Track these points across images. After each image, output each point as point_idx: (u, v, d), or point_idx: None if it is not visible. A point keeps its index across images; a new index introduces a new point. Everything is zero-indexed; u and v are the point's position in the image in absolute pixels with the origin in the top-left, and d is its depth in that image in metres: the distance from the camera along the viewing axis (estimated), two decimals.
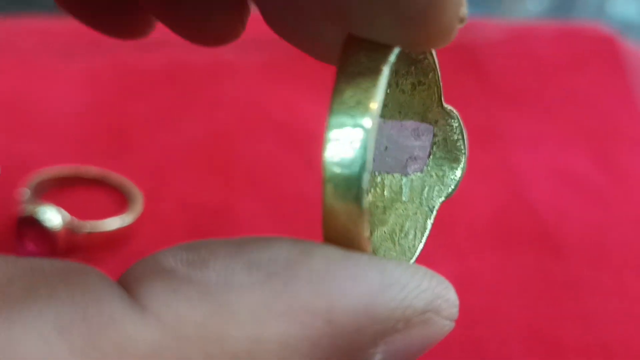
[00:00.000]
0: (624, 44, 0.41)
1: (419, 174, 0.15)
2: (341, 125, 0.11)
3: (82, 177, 0.29)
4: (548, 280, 0.29)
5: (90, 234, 0.25)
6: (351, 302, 0.10)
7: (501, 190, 0.34)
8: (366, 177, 0.11)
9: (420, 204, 0.15)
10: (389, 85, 0.13)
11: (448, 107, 0.16)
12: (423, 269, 0.11)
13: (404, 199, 0.15)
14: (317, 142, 0.35)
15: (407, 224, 0.15)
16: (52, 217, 0.25)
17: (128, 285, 0.10)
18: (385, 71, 0.11)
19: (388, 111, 0.14)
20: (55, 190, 0.28)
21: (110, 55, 0.36)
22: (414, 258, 0.15)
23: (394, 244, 0.14)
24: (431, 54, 0.14)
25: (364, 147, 0.11)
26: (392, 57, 0.12)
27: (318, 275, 0.10)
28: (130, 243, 0.27)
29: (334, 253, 0.10)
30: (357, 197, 0.10)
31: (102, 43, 0.35)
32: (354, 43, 0.12)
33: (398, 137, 0.14)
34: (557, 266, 0.30)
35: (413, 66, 0.14)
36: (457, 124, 0.16)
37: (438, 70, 0.15)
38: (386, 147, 0.14)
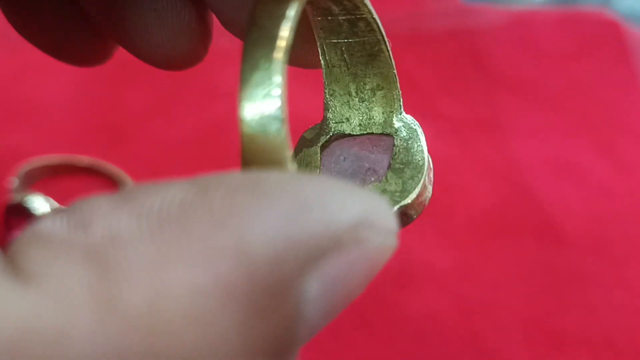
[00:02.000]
0: (629, 29, 0.40)
1: (377, 184, 0.14)
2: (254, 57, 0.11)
3: (74, 166, 0.28)
4: (550, 272, 0.28)
5: None
6: (264, 231, 0.08)
7: (501, 181, 0.33)
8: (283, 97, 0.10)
9: None
10: (344, 87, 0.13)
11: (407, 117, 0.15)
12: (344, 184, 0.09)
13: None
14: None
15: None
16: (40, 205, 0.24)
17: (10, 257, 0.08)
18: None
19: (349, 125, 0.15)
20: (45, 180, 0.28)
21: None
22: None
23: None
24: (385, 44, 0.14)
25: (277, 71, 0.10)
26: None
27: (219, 210, 0.08)
28: None
29: (238, 180, 0.09)
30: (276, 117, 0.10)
31: None
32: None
33: (358, 150, 0.14)
34: (560, 257, 0.29)
35: (370, 64, 0.14)
36: (416, 133, 0.15)
37: (394, 69, 0.14)
38: (344, 158, 0.14)
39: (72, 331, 0.07)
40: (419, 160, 0.15)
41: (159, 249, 0.08)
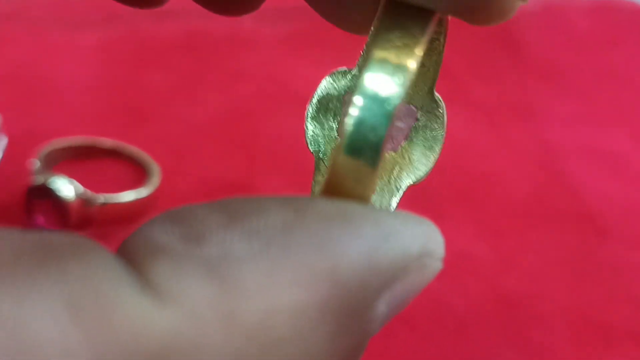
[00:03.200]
0: None
1: (392, 153, 0.14)
2: (383, 62, 0.11)
3: (96, 148, 0.27)
4: (594, 263, 0.27)
5: (103, 206, 0.23)
6: (353, 258, 0.09)
7: (538, 168, 0.32)
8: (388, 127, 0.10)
9: (389, 181, 0.15)
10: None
11: (437, 95, 0.15)
12: (412, 216, 0.11)
13: None
14: None
15: (373, 198, 0.14)
16: (64, 187, 0.23)
17: (137, 269, 0.09)
18: (431, 26, 0.11)
19: None
20: (67, 162, 0.27)
21: (126, 25, 0.34)
22: None
23: None
24: (444, 37, 0.14)
25: (403, 86, 0.10)
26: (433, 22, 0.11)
27: (316, 235, 0.09)
28: (146, 217, 0.25)
29: (328, 208, 0.10)
30: (377, 147, 0.10)
31: (116, 13, 0.34)
32: (393, 5, 0.11)
33: None
34: (603, 248, 0.28)
35: None
36: (441, 114, 0.15)
37: (442, 55, 0.15)
38: None
39: (205, 345, 0.08)
40: (436, 140, 0.15)
41: (268, 268, 0.09)
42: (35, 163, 0.25)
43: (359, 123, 0.10)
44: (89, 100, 0.31)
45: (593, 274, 0.26)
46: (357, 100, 0.10)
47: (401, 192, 0.15)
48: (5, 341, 0.08)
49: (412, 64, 0.11)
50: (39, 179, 0.23)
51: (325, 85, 0.14)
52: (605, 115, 0.35)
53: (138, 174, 0.27)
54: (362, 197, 0.11)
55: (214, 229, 0.09)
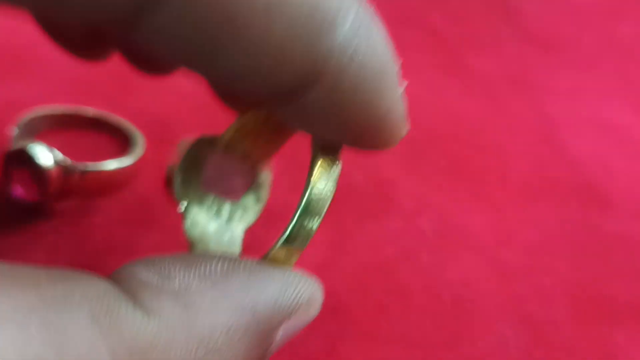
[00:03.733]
0: None
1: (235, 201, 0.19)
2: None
3: (79, 117, 0.26)
4: (596, 236, 0.26)
5: (84, 175, 0.22)
6: (266, 299, 0.14)
7: (538, 140, 0.31)
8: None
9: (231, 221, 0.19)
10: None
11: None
12: (304, 277, 0.15)
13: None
14: None
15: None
16: (43, 154, 0.22)
17: (123, 290, 0.13)
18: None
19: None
20: (48, 131, 0.26)
21: None
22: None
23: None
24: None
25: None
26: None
27: (244, 282, 0.14)
28: (129, 188, 0.24)
29: (251, 266, 0.15)
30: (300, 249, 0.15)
31: None
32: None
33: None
34: (606, 221, 0.27)
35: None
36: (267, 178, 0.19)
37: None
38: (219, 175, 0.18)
39: (175, 343, 0.13)
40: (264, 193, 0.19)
41: (213, 299, 0.13)
42: (15, 131, 0.24)
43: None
44: (73, 68, 0.30)
45: (595, 248, 0.25)
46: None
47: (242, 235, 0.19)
48: (50, 339, 0.11)
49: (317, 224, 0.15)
50: (16, 147, 0.22)
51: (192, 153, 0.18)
52: (607, 87, 0.34)
53: (121, 143, 0.26)
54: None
55: (179, 271, 0.14)
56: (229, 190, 0.18)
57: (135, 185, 0.24)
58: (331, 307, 0.21)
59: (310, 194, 0.15)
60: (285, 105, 0.15)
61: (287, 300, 0.15)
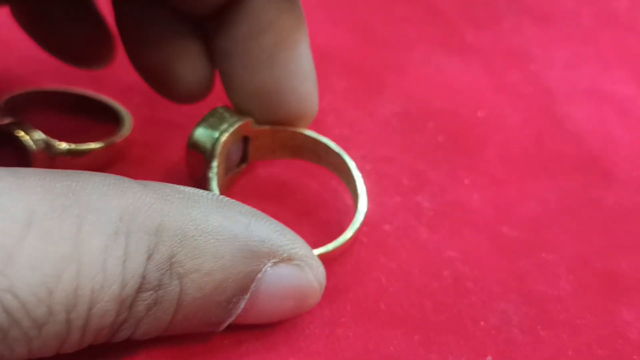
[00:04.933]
0: None
1: None
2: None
3: (64, 95, 0.25)
4: (598, 209, 0.25)
5: (68, 155, 0.21)
6: (262, 230, 0.17)
7: (538, 113, 0.30)
8: None
9: None
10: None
11: None
12: (305, 245, 0.18)
13: None
14: (328, 61, 0.30)
15: None
16: (26, 134, 0.21)
17: None
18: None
19: None
20: (32, 110, 0.25)
21: None
22: None
23: None
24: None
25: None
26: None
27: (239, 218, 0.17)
28: (115, 166, 0.23)
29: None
30: None
31: None
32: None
33: None
34: (608, 194, 0.26)
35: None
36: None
37: None
38: None
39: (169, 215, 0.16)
40: None
41: (215, 204, 0.17)
42: None
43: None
44: None
45: (598, 221, 0.25)
46: None
47: None
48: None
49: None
50: None
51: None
52: (607, 59, 0.34)
53: (109, 123, 0.25)
54: None
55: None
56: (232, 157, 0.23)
57: (122, 163, 0.24)
58: (329, 287, 0.21)
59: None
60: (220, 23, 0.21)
61: (280, 240, 0.17)
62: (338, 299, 0.20)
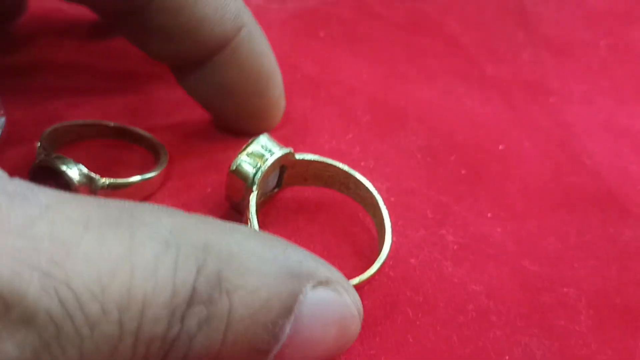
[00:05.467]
0: None
1: None
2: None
3: (102, 129, 0.26)
4: (617, 245, 0.26)
5: (108, 189, 0.22)
6: (294, 259, 0.17)
7: (557, 148, 0.31)
8: None
9: None
10: None
11: None
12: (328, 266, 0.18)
13: None
14: (353, 95, 0.31)
15: None
16: (68, 169, 0.22)
17: None
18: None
19: None
20: (72, 144, 0.26)
21: None
22: None
23: None
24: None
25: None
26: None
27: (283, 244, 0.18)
28: (152, 199, 0.24)
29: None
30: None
31: None
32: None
33: None
34: (627, 229, 0.27)
35: None
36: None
37: None
38: None
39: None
40: None
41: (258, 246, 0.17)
42: (39, 146, 0.24)
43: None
44: (93, 83, 0.30)
45: (618, 257, 0.25)
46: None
47: None
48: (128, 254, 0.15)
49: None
50: (42, 161, 0.22)
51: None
52: (624, 93, 0.34)
53: (145, 155, 0.26)
54: None
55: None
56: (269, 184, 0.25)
57: (159, 196, 0.24)
58: None
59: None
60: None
61: (317, 264, 0.17)
62: (366, 331, 0.21)
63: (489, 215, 0.27)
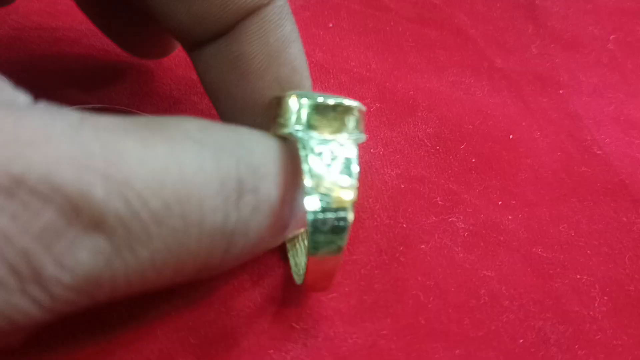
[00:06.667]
0: None
1: None
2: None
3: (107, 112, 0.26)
4: (629, 233, 0.26)
5: None
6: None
7: (566, 138, 0.30)
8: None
9: None
10: None
11: None
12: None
13: None
14: (362, 84, 0.31)
15: None
16: None
17: None
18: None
19: None
20: None
21: None
22: None
23: None
24: None
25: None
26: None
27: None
28: None
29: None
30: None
31: None
32: None
33: None
34: (638, 218, 0.26)
35: None
36: None
37: None
38: None
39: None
40: None
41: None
42: None
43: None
44: (100, 65, 0.29)
45: (630, 245, 0.25)
46: None
47: None
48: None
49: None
50: None
51: None
52: (633, 84, 0.34)
53: None
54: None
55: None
56: None
57: None
58: (369, 302, 0.21)
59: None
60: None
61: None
62: (378, 313, 0.21)
63: (499, 203, 0.26)
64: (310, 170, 0.16)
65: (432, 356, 0.20)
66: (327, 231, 0.16)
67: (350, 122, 0.18)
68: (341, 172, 0.17)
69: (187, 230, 0.15)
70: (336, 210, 0.16)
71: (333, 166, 0.17)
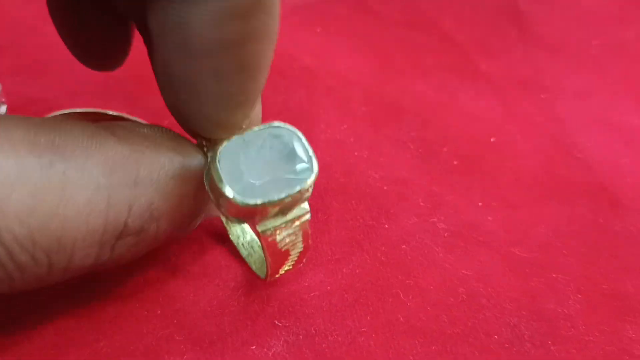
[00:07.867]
0: None
1: None
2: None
3: (101, 119, 0.27)
4: (606, 235, 0.26)
5: None
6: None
7: (548, 141, 0.31)
8: None
9: None
10: None
11: None
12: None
13: None
14: (349, 88, 0.32)
15: None
16: None
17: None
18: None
19: None
20: None
21: None
22: None
23: None
24: None
25: None
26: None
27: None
28: None
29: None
30: None
31: None
32: None
33: None
34: (616, 220, 0.27)
35: None
36: None
37: None
38: None
39: None
40: None
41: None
42: None
43: None
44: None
45: (606, 246, 0.26)
46: None
47: None
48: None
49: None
50: None
51: None
52: (615, 89, 0.35)
53: None
54: None
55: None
56: None
57: None
58: (351, 301, 0.22)
59: None
60: None
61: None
62: (359, 311, 0.22)
63: (480, 204, 0.27)
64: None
65: (410, 352, 0.20)
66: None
67: None
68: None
69: (51, 273, 0.15)
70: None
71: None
